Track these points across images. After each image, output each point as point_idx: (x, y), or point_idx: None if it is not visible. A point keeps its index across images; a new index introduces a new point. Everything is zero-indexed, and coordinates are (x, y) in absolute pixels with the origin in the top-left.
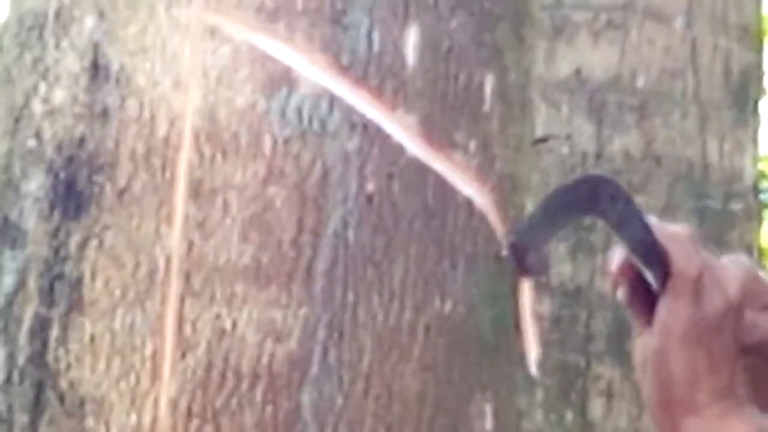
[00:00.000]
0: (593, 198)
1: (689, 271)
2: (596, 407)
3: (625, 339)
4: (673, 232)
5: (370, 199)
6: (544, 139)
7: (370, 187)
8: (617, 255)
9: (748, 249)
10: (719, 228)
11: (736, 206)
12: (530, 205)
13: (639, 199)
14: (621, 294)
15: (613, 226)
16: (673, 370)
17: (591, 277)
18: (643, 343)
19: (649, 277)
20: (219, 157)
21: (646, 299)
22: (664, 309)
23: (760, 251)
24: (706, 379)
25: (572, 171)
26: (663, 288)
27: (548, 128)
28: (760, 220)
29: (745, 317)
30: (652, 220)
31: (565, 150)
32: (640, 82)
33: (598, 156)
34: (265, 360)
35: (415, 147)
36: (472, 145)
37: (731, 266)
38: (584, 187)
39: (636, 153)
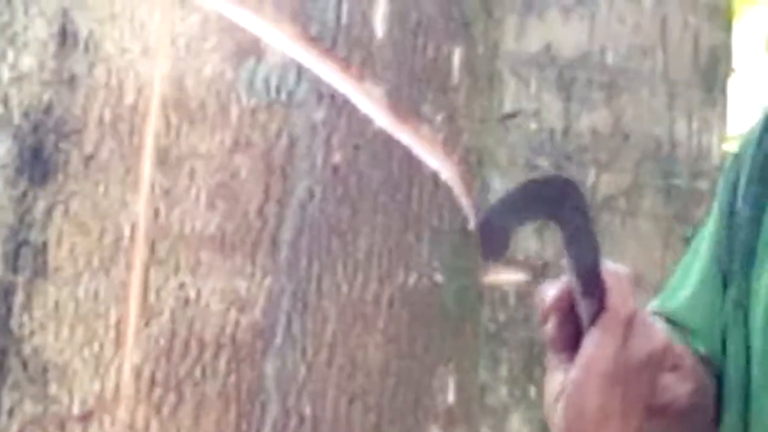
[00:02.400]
0: (557, 203)
1: (623, 310)
2: None
3: None
4: (614, 268)
5: (336, 170)
6: (512, 115)
7: (337, 158)
8: (553, 288)
9: None
10: (686, 206)
11: (703, 184)
12: (497, 180)
13: (606, 177)
14: (549, 327)
15: (565, 240)
16: (587, 406)
17: (558, 252)
18: (556, 378)
19: (582, 308)
20: (186, 125)
21: (570, 335)
22: (591, 343)
23: None
24: (617, 421)
25: (540, 147)
26: (593, 322)
27: (517, 104)
28: None
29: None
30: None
31: (533, 126)
32: (610, 59)
33: (566, 132)
34: (228, 329)
35: (382, 119)
36: (439, 117)
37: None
38: (553, 189)
39: (604, 130)
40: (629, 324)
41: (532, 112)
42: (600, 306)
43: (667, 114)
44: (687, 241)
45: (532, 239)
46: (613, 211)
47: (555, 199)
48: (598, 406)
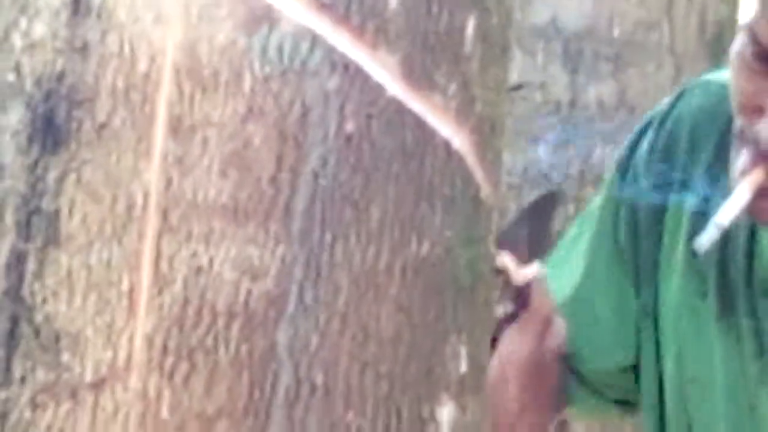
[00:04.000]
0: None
1: (543, 310)
2: None
3: None
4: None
5: (349, 138)
6: (518, 87)
7: (350, 126)
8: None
9: None
10: None
11: None
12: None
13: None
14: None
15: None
16: (504, 399)
17: (563, 225)
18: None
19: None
20: (199, 93)
21: None
22: (508, 339)
23: None
24: (529, 414)
25: (546, 119)
26: (512, 319)
27: (523, 76)
28: None
29: None
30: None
31: (539, 98)
32: (616, 32)
33: (573, 104)
34: (241, 298)
35: (395, 87)
36: (452, 86)
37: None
38: (542, 204)
39: (610, 102)
40: (547, 323)
41: (538, 85)
42: (523, 304)
43: (674, 87)
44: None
45: None
46: None
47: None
48: (513, 400)
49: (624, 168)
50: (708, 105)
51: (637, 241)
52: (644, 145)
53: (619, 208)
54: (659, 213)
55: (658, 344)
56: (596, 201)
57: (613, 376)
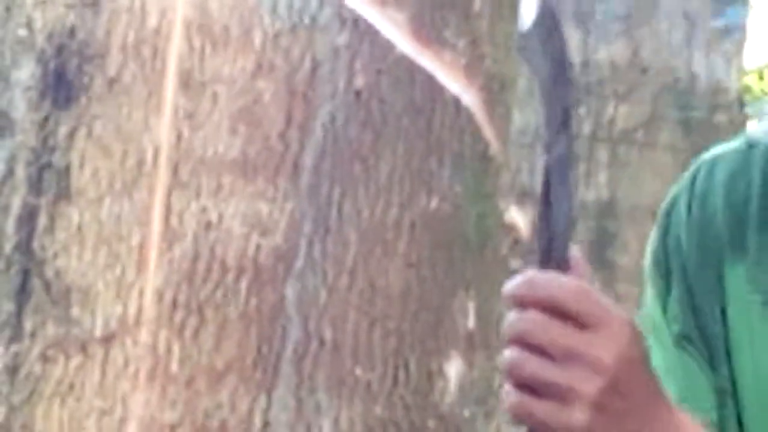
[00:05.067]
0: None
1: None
2: None
3: (608, 248)
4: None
5: (358, 94)
6: None
7: (359, 82)
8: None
9: None
10: (704, 139)
11: (721, 117)
12: (515, 112)
13: (624, 109)
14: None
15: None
16: None
17: (574, 185)
18: None
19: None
20: (209, 49)
21: None
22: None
23: None
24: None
25: None
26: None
27: None
28: (743, 132)
29: None
30: None
31: None
32: None
33: (585, 65)
34: (250, 253)
35: (405, 44)
36: (462, 43)
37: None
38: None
39: (622, 62)
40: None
41: None
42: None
43: (686, 47)
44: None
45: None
46: (631, 143)
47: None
48: None
49: (660, 261)
50: (738, 170)
51: (700, 322)
52: (675, 231)
53: (667, 301)
54: (715, 288)
55: (740, 422)
56: (646, 305)
57: None
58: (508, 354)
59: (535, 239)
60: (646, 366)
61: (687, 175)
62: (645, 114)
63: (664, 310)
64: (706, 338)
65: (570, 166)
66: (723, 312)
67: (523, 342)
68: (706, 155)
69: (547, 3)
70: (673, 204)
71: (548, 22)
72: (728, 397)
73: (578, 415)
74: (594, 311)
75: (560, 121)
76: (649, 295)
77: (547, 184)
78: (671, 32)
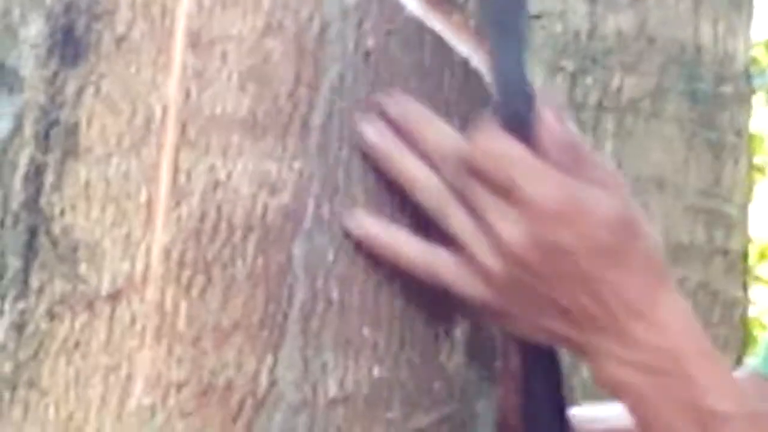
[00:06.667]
0: None
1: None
2: None
3: None
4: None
5: (367, 55)
6: (537, 16)
7: (368, 43)
8: None
9: (738, 133)
10: (710, 110)
11: (728, 89)
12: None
13: (631, 79)
14: None
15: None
16: None
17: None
18: None
19: None
20: (218, 7)
21: None
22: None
23: (750, 137)
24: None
25: (564, 49)
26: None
27: (542, 5)
28: (750, 105)
29: None
30: None
31: (558, 27)
32: None
33: (592, 34)
34: (258, 212)
35: (414, 4)
36: (471, 5)
37: None
38: None
39: (629, 32)
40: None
41: (557, 14)
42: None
43: (693, 18)
44: None
45: None
46: (637, 113)
47: None
48: None
49: None
50: None
51: None
52: None
53: None
54: None
55: None
56: None
57: None
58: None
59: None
60: (593, 258)
61: None
62: (651, 84)
63: None
64: None
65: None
66: None
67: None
68: None
69: None
70: None
71: None
72: None
73: (480, 288)
74: (519, 182)
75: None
76: None
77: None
78: (679, 3)
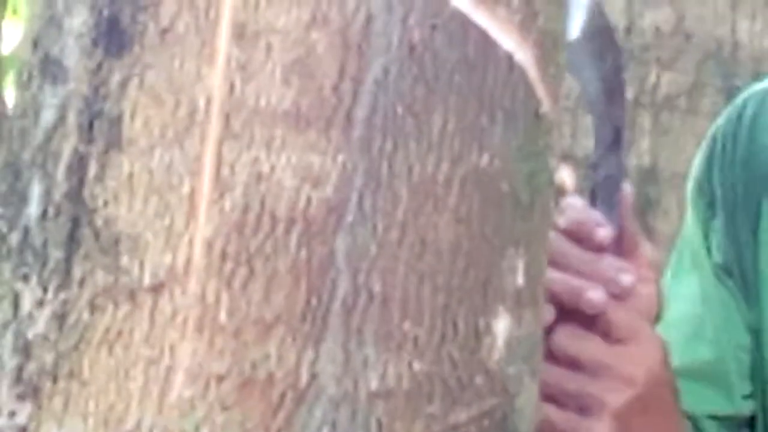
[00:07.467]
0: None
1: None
2: None
3: (649, 214)
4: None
5: (412, 49)
6: None
7: (413, 37)
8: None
9: None
10: None
11: None
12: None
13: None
14: None
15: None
16: None
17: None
18: None
19: None
20: (264, 0)
21: None
22: None
23: None
24: None
25: None
26: None
27: None
28: None
29: None
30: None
31: None
32: None
33: (629, 30)
34: (301, 205)
35: None
36: (515, 0)
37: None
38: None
39: (666, 29)
40: None
41: None
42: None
43: (730, 15)
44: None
45: (590, 136)
46: (673, 110)
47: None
48: None
49: (704, 186)
50: None
51: (740, 256)
52: (720, 161)
53: (709, 227)
54: (752, 223)
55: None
56: (686, 227)
57: None
58: None
59: None
60: (670, 388)
61: (735, 104)
62: (688, 81)
63: (706, 236)
64: (744, 273)
65: (618, 187)
66: (756, 248)
67: (550, 353)
68: (756, 87)
69: (599, 8)
70: (721, 132)
71: (600, 31)
72: (763, 336)
73: (599, 426)
74: (628, 324)
75: (610, 140)
76: (691, 218)
77: (592, 205)
78: (716, 0)
